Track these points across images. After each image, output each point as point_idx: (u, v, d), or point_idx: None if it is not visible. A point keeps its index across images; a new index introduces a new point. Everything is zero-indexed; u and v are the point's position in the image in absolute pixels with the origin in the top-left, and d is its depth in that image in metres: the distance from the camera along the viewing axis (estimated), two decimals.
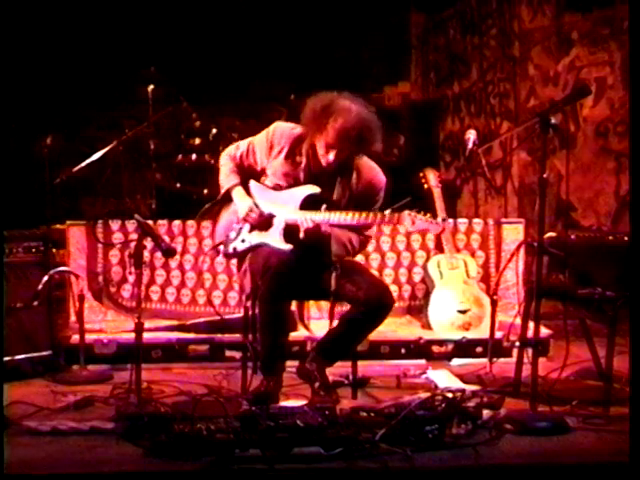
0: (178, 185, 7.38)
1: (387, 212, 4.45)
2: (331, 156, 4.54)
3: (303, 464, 3.62)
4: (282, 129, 4.76)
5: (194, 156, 7.39)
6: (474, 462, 3.71)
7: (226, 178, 4.84)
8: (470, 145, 4.79)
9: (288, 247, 4.58)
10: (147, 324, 4.76)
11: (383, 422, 3.93)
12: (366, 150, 4.65)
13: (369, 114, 4.57)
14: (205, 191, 7.11)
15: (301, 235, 4.54)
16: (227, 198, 4.86)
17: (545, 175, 4.23)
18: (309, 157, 4.68)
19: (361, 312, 4.54)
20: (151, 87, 6.87)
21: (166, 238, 5.57)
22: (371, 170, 4.77)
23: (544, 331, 5.23)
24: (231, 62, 8.76)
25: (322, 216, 4.53)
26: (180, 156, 7.41)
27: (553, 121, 4.19)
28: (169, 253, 4.17)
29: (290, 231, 4.62)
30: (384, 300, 4.58)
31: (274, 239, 4.63)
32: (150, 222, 5.11)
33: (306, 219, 4.52)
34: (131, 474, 3.56)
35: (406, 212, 4.44)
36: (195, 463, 3.60)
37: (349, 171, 4.69)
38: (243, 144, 4.87)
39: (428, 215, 4.44)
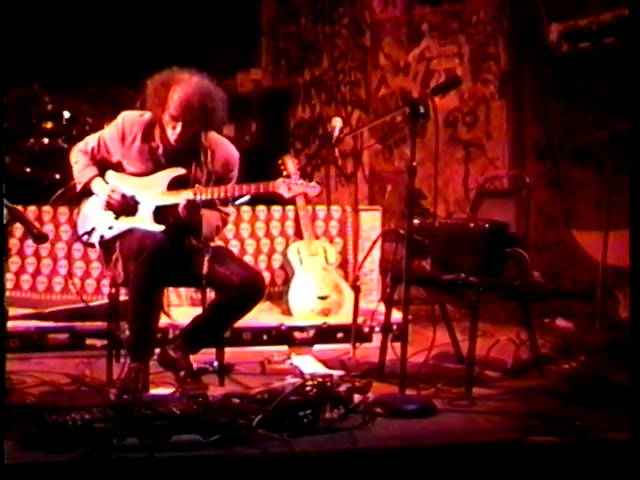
0: (28, 170, 7.16)
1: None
2: (178, 129, 4.51)
3: (182, 452, 3.58)
4: (131, 117, 4.73)
5: (46, 140, 7.20)
6: (351, 446, 3.76)
7: (82, 172, 4.75)
8: (337, 133, 4.84)
9: (160, 228, 4.54)
10: None
11: (257, 408, 3.94)
12: (211, 121, 4.62)
13: (210, 85, 4.60)
14: (57, 176, 6.93)
15: (181, 214, 4.50)
16: (86, 192, 4.77)
17: (414, 163, 4.30)
18: (163, 141, 4.64)
19: (233, 297, 4.52)
20: None
21: None
22: (224, 146, 4.79)
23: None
24: (83, 45, 8.55)
25: (199, 192, 4.49)
26: (32, 140, 7.20)
27: (422, 110, 4.27)
28: (41, 239, 4.03)
29: (160, 214, 4.57)
30: (257, 285, 4.58)
31: (145, 222, 4.57)
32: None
33: (185, 198, 4.49)
34: (3, 467, 3.44)
35: (280, 179, 4.49)
36: (71, 454, 3.51)
37: (203, 150, 4.68)
38: (92, 139, 4.81)
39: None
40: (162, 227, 4.55)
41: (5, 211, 3.86)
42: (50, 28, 8.45)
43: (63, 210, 5.82)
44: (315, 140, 8.97)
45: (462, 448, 3.85)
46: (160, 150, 4.66)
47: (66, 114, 7.23)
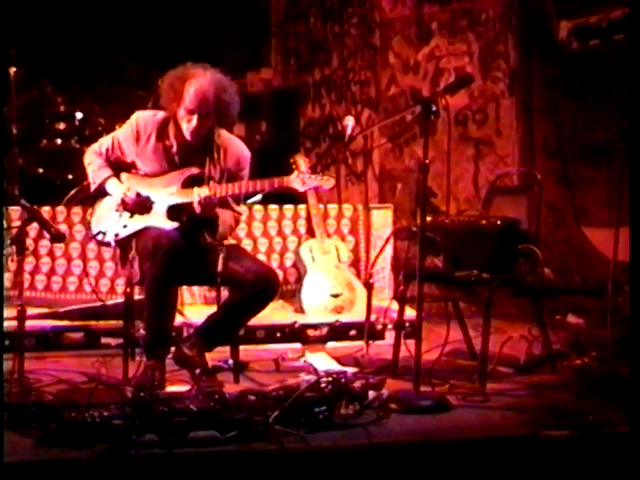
0: (41, 170, 7.21)
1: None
2: (193, 122, 4.55)
3: (200, 448, 3.62)
4: (145, 117, 4.78)
5: (59, 141, 7.25)
6: (366, 441, 3.79)
7: (97, 173, 4.79)
8: (349, 131, 4.88)
9: (175, 225, 4.59)
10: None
11: (273, 405, 3.98)
12: (226, 114, 4.68)
13: (224, 78, 4.67)
14: (70, 176, 6.98)
15: (196, 210, 4.55)
16: (100, 193, 4.82)
17: (427, 161, 4.33)
18: (177, 139, 4.69)
19: (247, 294, 4.56)
20: (13, 70, 6.67)
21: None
22: (236, 145, 4.85)
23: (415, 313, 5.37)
24: (88, 45, 8.57)
25: (214, 189, 4.55)
26: (45, 141, 7.24)
27: (434, 108, 4.30)
28: (58, 238, 4.07)
29: (174, 213, 4.62)
30: (272, 281, 4.63)
31: (159, 220, 4.62)
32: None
33: (199, 195, 4.53)
34: (24, 464, 3.48)
35: (295, 173, 4.56)
36: (91, 450, 3.55)
37: (216, 148, 4.73)
38: (106, 140, 4.86)
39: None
40: (176, 224, 4.60)
41: (21, 210, 3.90)
42: (57, 28, 8.44)
43: (77, 210, 5.87)
44: (325, 139, 8.99)
45: (476, 443, 3.88)
46: (174, 149, 4.70)
47: (79, 115, 7.27)
